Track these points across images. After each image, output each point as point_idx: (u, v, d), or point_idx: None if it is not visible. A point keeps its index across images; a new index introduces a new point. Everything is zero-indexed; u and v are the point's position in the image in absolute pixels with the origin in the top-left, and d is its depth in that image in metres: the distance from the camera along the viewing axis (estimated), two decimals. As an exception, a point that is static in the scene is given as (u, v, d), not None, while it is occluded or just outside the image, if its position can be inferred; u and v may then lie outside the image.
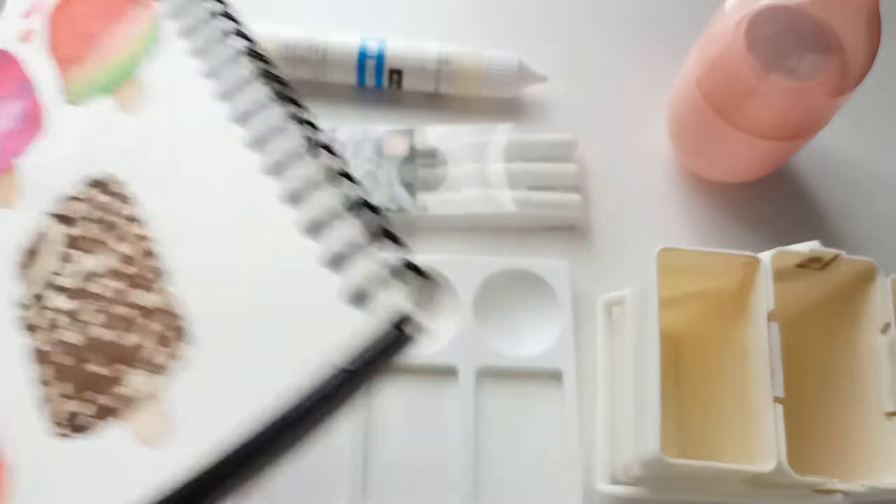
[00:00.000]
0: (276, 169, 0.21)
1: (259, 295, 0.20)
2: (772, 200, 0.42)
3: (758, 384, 0.29)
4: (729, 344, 0.32)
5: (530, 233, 0.40)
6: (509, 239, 0.40)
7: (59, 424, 0.21)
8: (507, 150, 0.41)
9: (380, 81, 0.42)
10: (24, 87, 0.27)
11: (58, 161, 0.25)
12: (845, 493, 0.29)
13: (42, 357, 0.22)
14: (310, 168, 0.21)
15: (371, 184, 0.39)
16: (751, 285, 0.30)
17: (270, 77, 0.23)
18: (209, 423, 0.19)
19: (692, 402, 0.35)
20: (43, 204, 0.24)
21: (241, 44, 0.24)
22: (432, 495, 0.34)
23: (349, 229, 0.20)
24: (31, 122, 0.26)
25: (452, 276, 0.37)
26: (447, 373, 0.36)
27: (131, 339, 0.21)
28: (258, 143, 0.22)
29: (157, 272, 0.22)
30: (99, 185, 0.24)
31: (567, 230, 0.40)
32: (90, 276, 0.22)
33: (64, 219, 0.24)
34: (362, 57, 0.41)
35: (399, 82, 0.42)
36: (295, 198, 0.21)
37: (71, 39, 0.27)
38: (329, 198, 0.20)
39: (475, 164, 0.40)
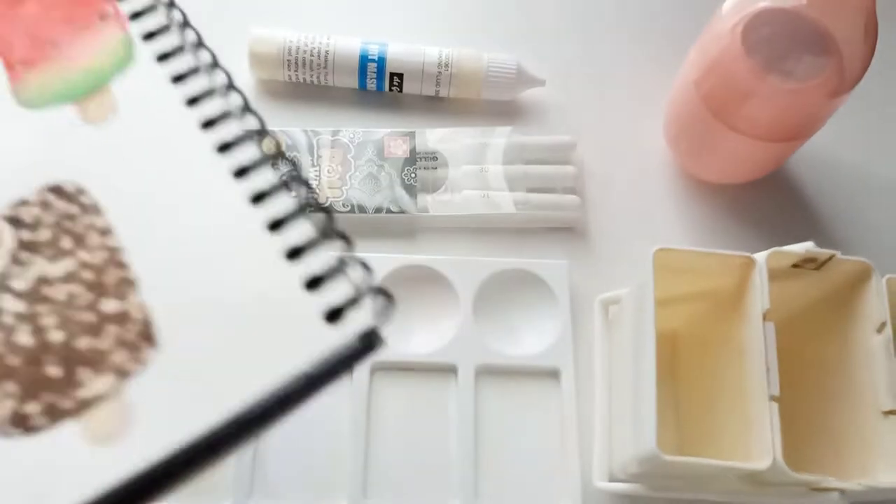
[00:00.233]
0: (256, 196, 0.22)
1: (230, 307, 0.21)
2: (768, 201, 0.42)
3: (754, 383, 0.29)
4: (725, 343, 0.32)
5: (529, 233, 0.40)
6: (509, 239, 0.40)
7: (11, 425, 0.21)
8: (506, 152, 0.41)
9: (381, 85, 0.43)
10: None
11: (9, 164, 0.25)
12: (842, 492, 0.29)
13: None
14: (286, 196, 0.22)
15: (372, 185, 0.40)
16: (747, 285, 0.31)
17: (251, 112, 0.24)
18: (166, 422, 0.19)
19: (689, 401, 0.35)
20: None
21: (222, 77, 0.24)
22: (432, 493, 0.34)
23: (324, 251, 0.21)
24: None
25: (452, 276, 0.38)
26: (447, 371, 0.36)
27: (92, 342, 0.21)
28: (239, 172, 0.23)
29: (125, 280, 0.22)
30: (57, 190, 0.24)
31: (566, 231, 0.40)
32: (44, 280, 0.23)
33: (16, 222, 0.24)
34: (364, 61, 0.42)
35: (400, 85, 0.43)
36: (274, 225, 0.22)
37: (22, 41, 0.27)
38: (304, 226, 0.21)
39: (475, 166, 0.41)
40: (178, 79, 0.25)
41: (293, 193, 0.22)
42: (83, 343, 0.21)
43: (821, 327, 0.33)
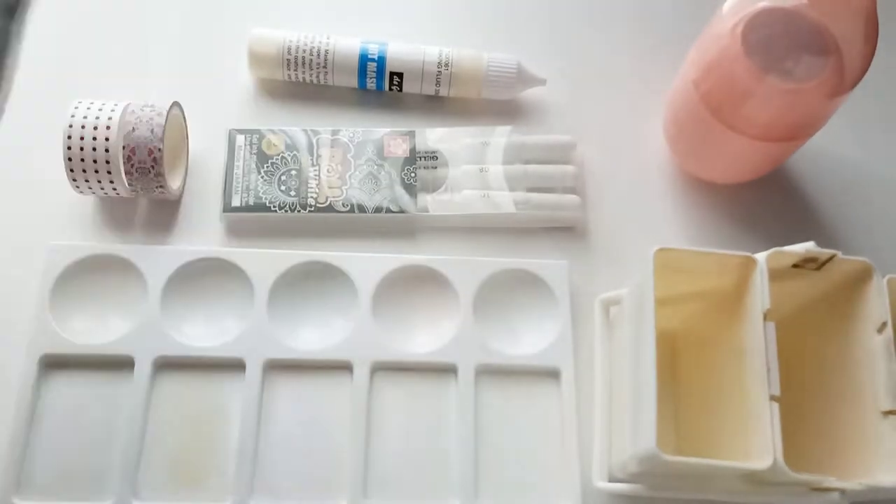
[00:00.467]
0: None
1: None
2: (768, 201, 0.42)
3: (754, 383, 0.29)
4: (725, 343, 0.32)
5: (529, 233, 0.40)
6: (509, 239, 0.40)
7: None
8: (506, 151, 0.41)
9: (381, 84, 0.43)
10: None
11: None
12: (842, 491, 0.29)
13: None
14: None
15: (372, 185, 0.40)
16: (747, 285, 0.31)
17: None
18: None
19: (689, 401, 0.35)
20: None
21: None
22: (432, 493, 0.34)
23: None
24: None
25: (452, 276, 0.38)
26: (447, 371, 0.36)
27: None
28: None
29: None
30: None
31: (565, 231, 0.40)
32: None
33: None
34: (364, 60, 0.42)
35: (400, 85, 0.42)
36: None
37: None
38: None
39: (475, 166, 0.41)
40: None
41: None
42: None
43: (821, 327, 0.33)
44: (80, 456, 0.34)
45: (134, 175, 0.36)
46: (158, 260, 0.37)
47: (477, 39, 0.44)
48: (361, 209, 0.39)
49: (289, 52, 0.42)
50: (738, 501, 0.32)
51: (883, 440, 0.29)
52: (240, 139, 0.40)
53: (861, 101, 0.37)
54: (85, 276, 0.37)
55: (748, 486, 0.30)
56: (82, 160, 0.35)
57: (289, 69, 0.42)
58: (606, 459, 0.34)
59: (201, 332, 0.36)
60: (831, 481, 0.28)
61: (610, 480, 0.34)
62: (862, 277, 0.31)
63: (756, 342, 0.29)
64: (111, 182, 0.36)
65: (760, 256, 0.30)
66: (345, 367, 0.36)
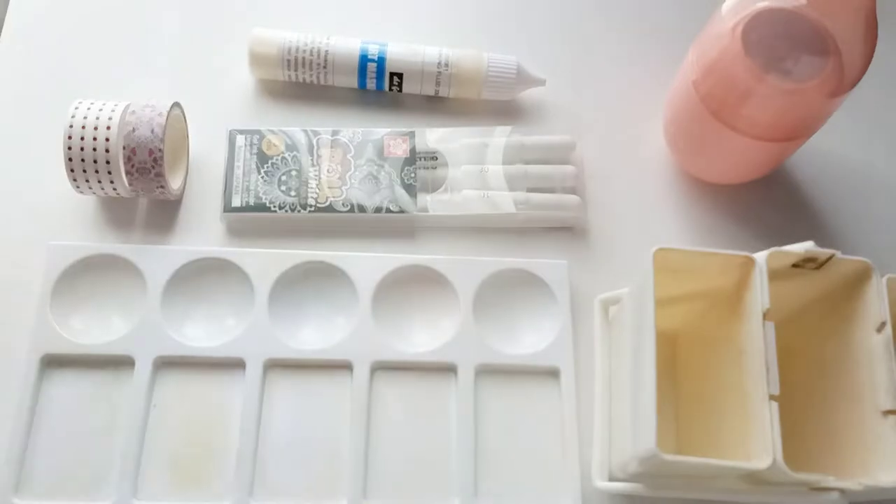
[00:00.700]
0: None
1: None
2: (768, 201, 0.42)
3: (754, 382, 0.29)
4: (725, 343, 0.32)
5: (529, 233, 0.40)
6: (509, 239, 0.40)
7: None
8: (506, 151, 0.41)
9: (381, 84, 0.43)
10: None
11: None
12: (841, 491, 0.29)
13: None
14: None
15: (372, 185, 0.40)
16: (746, 285, 0.31)
17: None
18: None
19: (689, 400, 0.35)
20: None
21: None
22: (432, 492, 0.34)
23: None
24: None
25: (452, 276, 0.38)
26: (447, 371, 0.36)
27: None
28: None
29: None
30: None
31: (565, 231, 0.41)
32: None
33: None
34: (363, 60, 0.42)
35: (400, 85, 0.43)
36: None
37: None
38: None
39: (475, 166, 0.41)
40: None
41: None
42: None
43: (820, 327, 0.33)
44: (79, 456, 0.34)
45: (134, 175, 0.36)
46: (158, 260, 0.37)
47: (477, 39, 0.44)
48: (361, 209, 0.39)
49: (289, 53, 0.42)
50: (737, 501, 0.32)
51: (882, 440, 0.29)
52: (240, 139, 0.40)
53: (861, 101, 0.37)
54: (85, 275, 0.37)
55: (748, 485, 0.30)
56: (83, 160, 0.35)
57: (289, 69, 0.42)
58: (606, 459, 0.34)
59: (201, 332, 0.36)
60: (830, 481, 0.28)
61: (610, 480, 0.34)
62: (861, 277, 0.31)
63: (756, 342, 0.29)
64: (111, 182, 0.36)
65: (760, 256, 0.30)
66: (345, 367, 0.36)
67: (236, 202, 0.39)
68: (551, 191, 0.41)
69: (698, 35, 0.38)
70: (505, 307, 0.38)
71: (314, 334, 0.37)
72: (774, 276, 0.30)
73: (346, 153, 0.41)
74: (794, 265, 0.31)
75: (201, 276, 0.37)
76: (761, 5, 0.35)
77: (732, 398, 0.31)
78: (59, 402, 0.34)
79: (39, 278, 0.36)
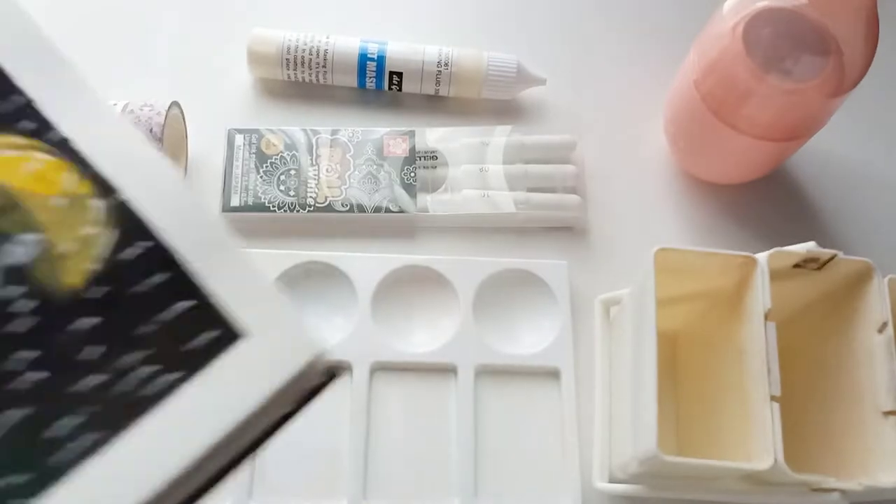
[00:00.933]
0: None
1: None
2: (769, 201, 0.42)
3: (755, 383, 0.29)
4: (726, 343, 0.32)
5: (529, 233, 0.40)
6: (509, 239, 0.40)
7: None
8: (506, 151, 0.41)
9: (380, 84, 0.42)
10: None
11: None
12: (842, 492, 0.29)
13: None
14: None
15: (371, 185, 0.40)
16: (748, 285, 0.31)
17: None
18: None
19: (690, 401, 0.35)
20: None
21: None
22: (432, 493, 0.34)
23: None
24: None
25: (452, 276, 0.38)
26: (447, 371, 0.36)
27: None
28: None
29: None
30: None
31: (566, 230, 0.40)
32: None
33: None
34: (363, 60, 0.42)
35: (399, 84, 0.42)
36: None
37: None
38: None
39: (475, 166, 0.41)
40: None
41: None
42: None
43: (822, 327, 0.33)
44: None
45: (133, 175, 0.36)
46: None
47: (477, 39, 0.44)
48: (361, 209, 0.39)
49: (288, 52, 0.42)
50: (738, 502, 0.32)
51: (883, 440, 0.29)
52: (239, 139, 0.40)
53: (861, 101, 0.37)
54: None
55: (748, 486, 0.30)
56: (81, 160, 0.35)
57: (288, 69, 0.42)
58: (607, 460, 0.34)
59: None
60: (831, 482, 0.28)
61: (610, 481, 0.34)
62: (863, 277, 0.31)
63: (757, 342, 0.29)
64: (110, 182, 0.36)
65: (761, 256, 0.30)
66: (344, 368, 0.36)
67: (235, 202, 0.39)
68: (551, 190, 0.41)
69: (699, 35, 0.38)
70: (505, 307, 0.38)
71: (314, 334, 0.37)
72: (775, 276, 0.30)
73: (345, 153, 0.41)
74: (796, 265, 0.31)
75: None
76: (762, 5, 0.35)
77: (733, 399, 0.31)
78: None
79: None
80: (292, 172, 0.40)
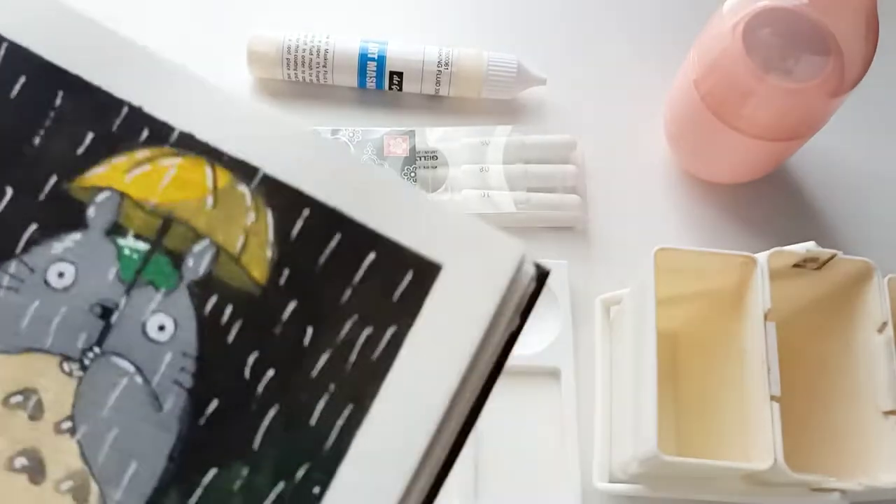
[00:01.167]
0: None
1: None
2: (769, 201, 0.42)
3: (755, 383, 0.29)
4: (726, 343, 0.32)
5: (529, 233, 0.40)
6: (509, 239, 0.40)
7: None
8: (506, 151, 0.41)
9: (381, 83, 0.42)
10: None
11: None
12: (842, 492, 0.29)
13: None
14: None
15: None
16: (748, 285, 0.31)
17: None
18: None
19: (690, 401, 0.35)
20: None
21: None
22: (432, 493, 0.34)
23: None
24: None
25: (452, 276, 0.38)
26: (447, 372, 0.36)
27: None
28: None
29: None
30: None
31: (566, 230, 0.40)
32: None
33: None
34: (363, 59, 0.42)
35: (400, 84, 0.42)
36: None
37: None
38: None
39: (475, 166, 0.41)
40: None
41: None
42: None
43: (822, 327, 0.33)
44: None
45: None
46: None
47: (477, 39, 0.44)
48: (361, 209, 0.39)
49: (288, 52, 0.42)
50: (738, 502, 0.32)
51: (883, 440, 0.29)
52: (239, 139, 0.40)
53: (862, 101, 0.37)
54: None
55: (749, 486, 0.30)
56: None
57: (288, 68, 0.42)
58: (607, 460, 0.34)
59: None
60: (831, 482, 0.28)
61: (611, 481, 0.34)
62: (862, 277, 0.31)
63: (757, 342, 0.29)
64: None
65: (761, 256, 0.30)
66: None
67: (235, 202, 0.39)
68: (552, 190, 0.41)
69: (699, 34, 0.38)
70: (505, 307, 0.38)
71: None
72: (775, 275, 0.30)
73: (345, 152, 0.41)
74: (795, 265, 0.31)
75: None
76: (762, 5, 0.35)
77: (733, 398, 0.31)
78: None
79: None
80: (292, 172, 0.40)
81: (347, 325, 0.18)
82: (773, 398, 0.28)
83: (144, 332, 0.18)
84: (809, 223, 0.42)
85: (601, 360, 0.37)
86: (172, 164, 0.19)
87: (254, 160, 0.19)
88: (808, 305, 0.33)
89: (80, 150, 0.19)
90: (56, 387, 0.18)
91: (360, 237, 0.19)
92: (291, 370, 0.18)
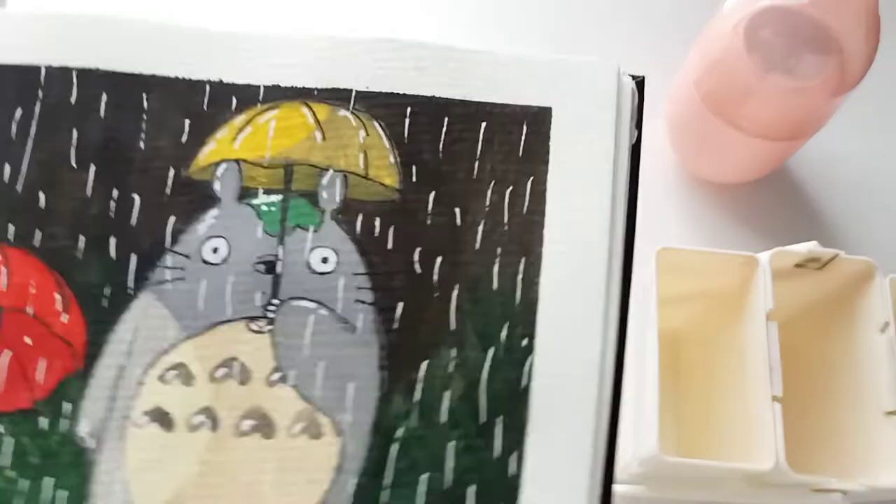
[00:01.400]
0: None
1: None
2: (770, 200, 0.42)
3: (757, 383, 0.29)
4: (728, 343, 0.32)
5: (530, 233, 0.40)
6: (509, 239, 0.40)
7: None
8: (507, 151, 0.41)
9: None
10: None
11: None
12: (844, 493, 0.29)
13: None
14: None
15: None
16: (750, 285, 0.30)
17: None
18: None
19: (691, 401, 0.35)
20: None
21: None
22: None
23: None
24: None
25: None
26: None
27: None
28: None
29: None
30: None
31: (567, 231, 0.40)
32: None
33: None
34: (363, 59, 0.42)
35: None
36: None
37: None
38: None
39: (475, 165, 0.40)
40: None
41: None
42: None
43: (824, 327, 0.33)
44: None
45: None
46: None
47: (476, 39, 0.44)
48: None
49: (288, 52, 0.41)
50: (740, 502, 0.32)
51: (885, 441, 0.29)
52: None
53: (863, 100, 0.37)
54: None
55: (750, 487, 0.30)
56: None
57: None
58: (608, 460, 0.34)
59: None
60: (833, 482, 0.28)
61: (611, 481, 0.34)
62: (864, 277, 0.31)
63: (759, 342, 0.29)
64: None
65: (763, 256, 0.30)
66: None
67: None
68: (552, 190, 0.40)
69: (700, 34, 0.38)
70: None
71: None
72: (777, 275, 0.30)
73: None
74: (797, 265, 0.31)
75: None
76: (763, 4, 0.35)
77: (735, 399, 0.31)
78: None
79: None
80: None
81: (489, 193, 0.20)
82: (774, 398, 0.28)
83: (311, 269, 0.19)
84: (811, 223, 0.42)
85: (602, 361, 0.36)
86: (271, 118, 0.20)
87: (341, 83, 0.20)
88: (810, 305, 0.33)
89: (184, 138, 0.20)
90: (252, 348, 0.19)
91: (466, 112, 0.20)
92: (456, 250, 0.19)
